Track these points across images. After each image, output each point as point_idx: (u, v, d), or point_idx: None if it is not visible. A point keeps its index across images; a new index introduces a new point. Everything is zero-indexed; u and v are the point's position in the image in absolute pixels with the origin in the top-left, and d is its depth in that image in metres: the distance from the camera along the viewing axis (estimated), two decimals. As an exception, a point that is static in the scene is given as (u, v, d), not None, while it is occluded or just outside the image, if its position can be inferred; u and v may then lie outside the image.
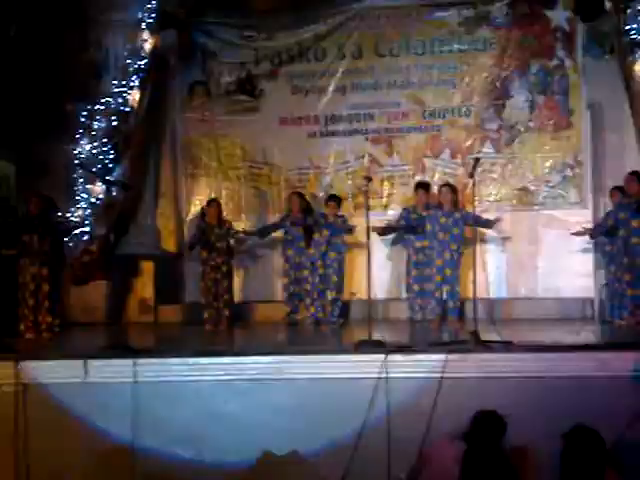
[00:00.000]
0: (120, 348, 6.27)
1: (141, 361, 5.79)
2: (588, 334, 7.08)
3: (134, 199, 9.35)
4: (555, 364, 5.51)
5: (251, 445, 5.60)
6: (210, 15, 9.47)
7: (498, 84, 9.15)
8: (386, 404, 5.50)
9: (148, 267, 9.14)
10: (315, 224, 8.38)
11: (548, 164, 9.03)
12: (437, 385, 5.45)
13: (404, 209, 8.72)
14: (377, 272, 7.30)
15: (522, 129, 9.08)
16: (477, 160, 7.01)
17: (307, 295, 8.49)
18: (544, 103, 9.06)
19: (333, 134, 9.45)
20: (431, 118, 9.29)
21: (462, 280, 7.98)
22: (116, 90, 8.99)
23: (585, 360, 5.52)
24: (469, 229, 7.90)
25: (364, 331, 6.34)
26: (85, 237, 8.73)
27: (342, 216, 8.42)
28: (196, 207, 9.46)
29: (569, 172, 8.98)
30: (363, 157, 9.36)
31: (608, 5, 8.38)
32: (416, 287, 8.47)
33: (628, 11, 8.10)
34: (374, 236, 7.76)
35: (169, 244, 9.56)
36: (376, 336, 6.17)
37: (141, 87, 9.06)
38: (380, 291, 7.77)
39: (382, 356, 5.59)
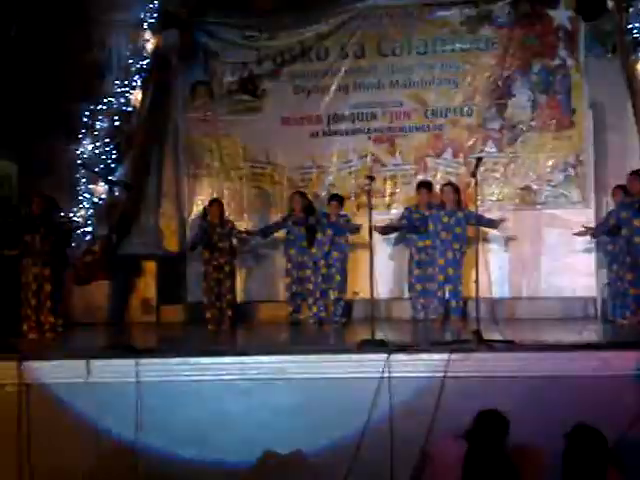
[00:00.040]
0: (122, 348, 6.26)
1: (143, 361, 5.79)
2: (590, 333, 7.08)
3: (136, 199, 9.35)
4: (557, 363, 5.52)
5: (253, 445, 5.60)
6: (212, 15, 9.47)
7: (500, 83, 9.14)
8: (389, 403, 5.50)
9: (150, 267, 9.14)
10: (317, 224, 8.38)
11: (550, 163, 9.02)
12: (440, 384, 5.46)
13: (406, 208, 8.70)
14: (379, 271, 7.28)
15: (524, 128, 9.08)
16: (479, 159, 7.04)
17: (310, 295, 8.48)
18: (546, 102, 9.05)
19: (335, 133, 9.44)
20: (433, 117, 9.29)
21: (464, 279, 7.97)
22: (118, 90, 9.00)
23: (587, 359, 5.53)
24: (471, 228, 7.88)
25: (367, 331, 6.35)
26: (87, 237, 8.74)
27: (344, 215, 8.41)
28: (198, 207, 9.44)
29: (571, 171, 8.97)
30: (366, 156, 9.33)
31: (610, 4, 8.37)
32: (418, 286, 8.47)
33: (630, 10, 8.11)
34: (377, 235, 7.74)
35: (171, 244, 9.57)
36: (379, 335, 6.19)
37: (143, 87, 9.07)
38: (383, 290, 7.74)
39: (385, 355, 5.59)
